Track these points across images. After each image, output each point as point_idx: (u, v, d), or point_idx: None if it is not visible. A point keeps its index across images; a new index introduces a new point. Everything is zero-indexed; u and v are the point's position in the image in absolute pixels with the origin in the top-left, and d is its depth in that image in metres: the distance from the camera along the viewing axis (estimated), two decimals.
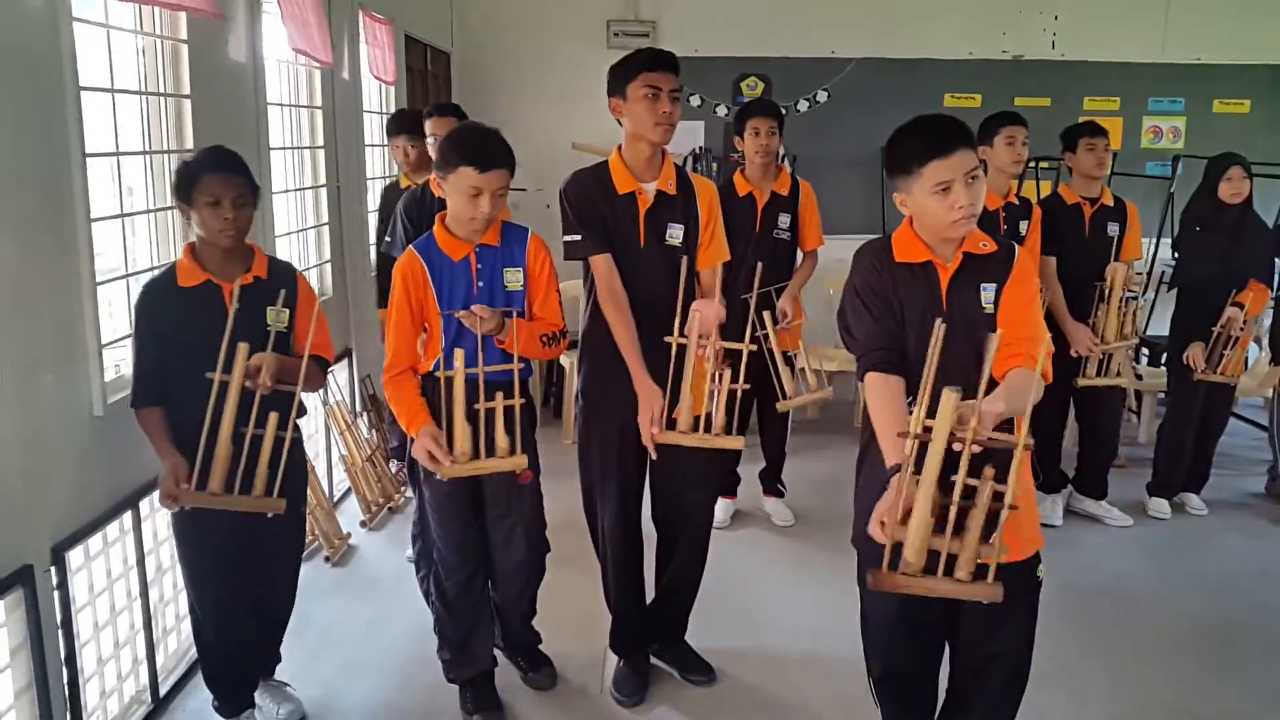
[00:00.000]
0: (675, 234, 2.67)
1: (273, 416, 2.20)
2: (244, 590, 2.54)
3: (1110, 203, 3.97)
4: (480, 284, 2.49)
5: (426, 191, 3.49)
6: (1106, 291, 3.80)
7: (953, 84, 6.50)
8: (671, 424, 2.50)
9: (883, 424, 1.95)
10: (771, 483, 4.18)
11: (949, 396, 1.65)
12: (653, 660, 2.95)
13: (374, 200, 4.75)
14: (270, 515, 2.26)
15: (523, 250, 2.57)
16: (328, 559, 3.65)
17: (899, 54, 6.42)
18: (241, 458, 2.20)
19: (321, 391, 4.03)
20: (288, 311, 2.41)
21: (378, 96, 5.04)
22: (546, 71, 6.44)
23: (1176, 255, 4.30)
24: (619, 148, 2.67)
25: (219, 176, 2.31)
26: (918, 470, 1.71)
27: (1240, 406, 5.58)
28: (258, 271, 2.41)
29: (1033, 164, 5.94)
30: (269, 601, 2.67)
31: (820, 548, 3.85)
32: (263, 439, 2.20)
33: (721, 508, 4.08)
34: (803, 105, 6.53)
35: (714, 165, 6.09)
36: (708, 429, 2.50)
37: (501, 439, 2.35)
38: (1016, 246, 2.09)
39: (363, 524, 3.95)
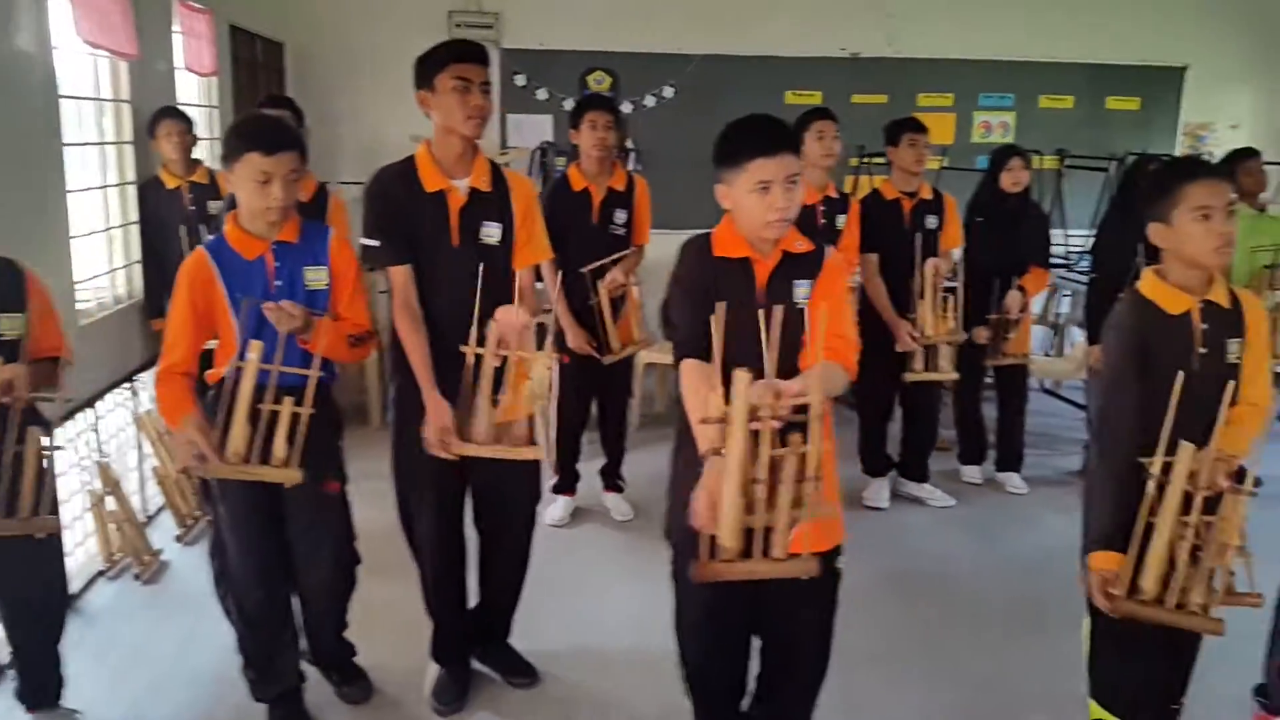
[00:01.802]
0: (491, 233, 2.60)
1: (32, 431, 2.06)
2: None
3: (929, 197, 4.10)
4: (278, 283, 2.37)
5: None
6: (922, 287, 3.91)
7: (794, 81, 6.63)
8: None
9: (696, 411, 1.97)
10: (611, 478, 4.18)
11: (741, 377, 1.70)
12: (475, 665, 2.91)
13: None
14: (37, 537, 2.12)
15: (324, 247, 2.46)
16: (137, 576, 3.47)
17: (742, 51, 6.51)
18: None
19: (131, 402, 3.84)
20: (21, 316, 2.27)
21: (199, 90, 4.82)
22: (386, 63, 6.21)
23: (965, 245, 4.47)
24: (427, 143, 2.58)
25: None
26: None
27: (1065, 389, 5.89)
28: None
29: (869, 159, 6.10)
30: (29, 626, 2.52)
31: (656, 541, 3.77)
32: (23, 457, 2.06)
33: (561, 505, 4.07)
34: (650, 101, 6.56)
35: (561, 160, 6.06)
36: (511, 438, 2.47)
37: (280, 447, 2.25)
38: (829, 248, 2.14)
39: (177, 539, 3.77)
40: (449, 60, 2.46)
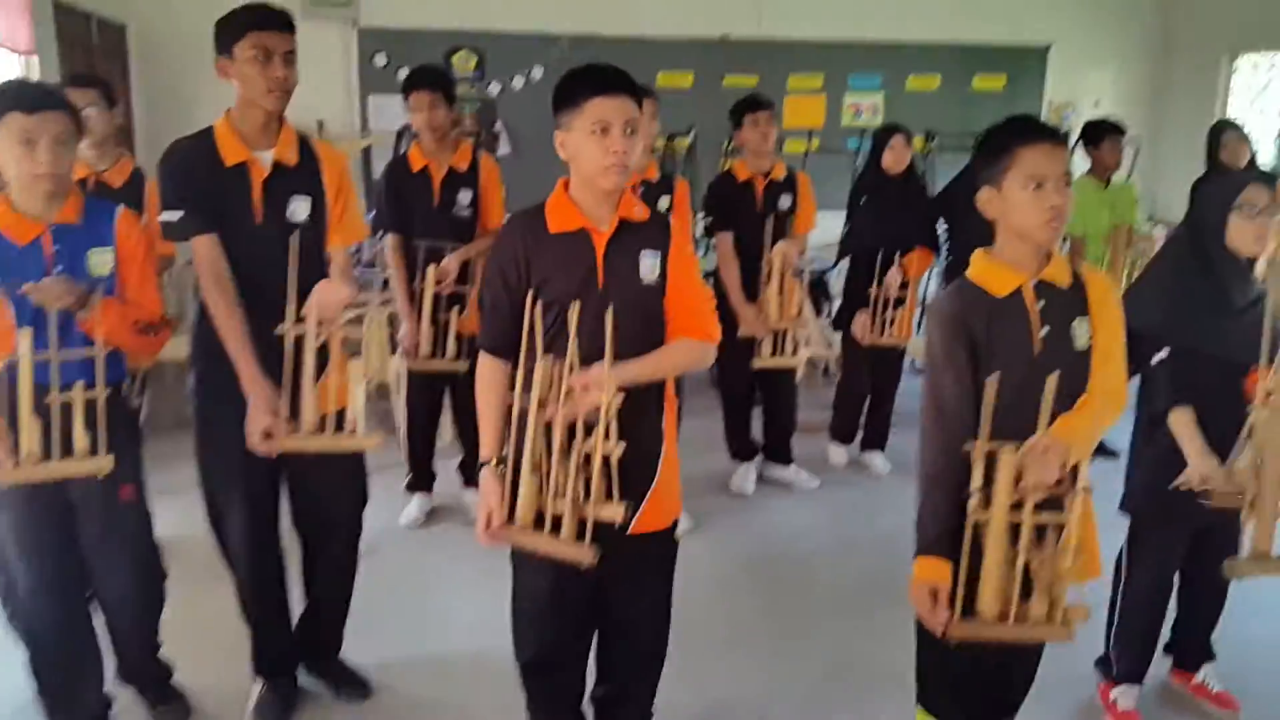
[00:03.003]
0: (299, 209, 2.43)
1: None
2: None
3: (782, 176, 4.04)
4: (59, 269, 2.18)
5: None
6: (769, 272, 3.84)
7: (665, 62, 6.54)
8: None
9: (485, 412, 1.98)
10: (471, 473, 4.04)
11: (544, 366, 1.81)
12: (304, 680, 2.75)
13: None
14: None
15: (110, 228, 2.28)
16: None
17: (612, 31, 6.38)
18: None
19: None
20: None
21: (21, 71, 4.49)
22: None
23: (847, 225, 4.46)
24: (228, 113, 2.39)
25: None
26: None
27: None
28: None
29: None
30: None
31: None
32: None
33: (416, 504, 3.92)
34: (519, 82, 6.40)
35: None
36: (339, 428, 2.33)
37: (80, 437, 2.10)
38: (672, 216, 2.09)
39: None
40: (248, 27, 2.29)
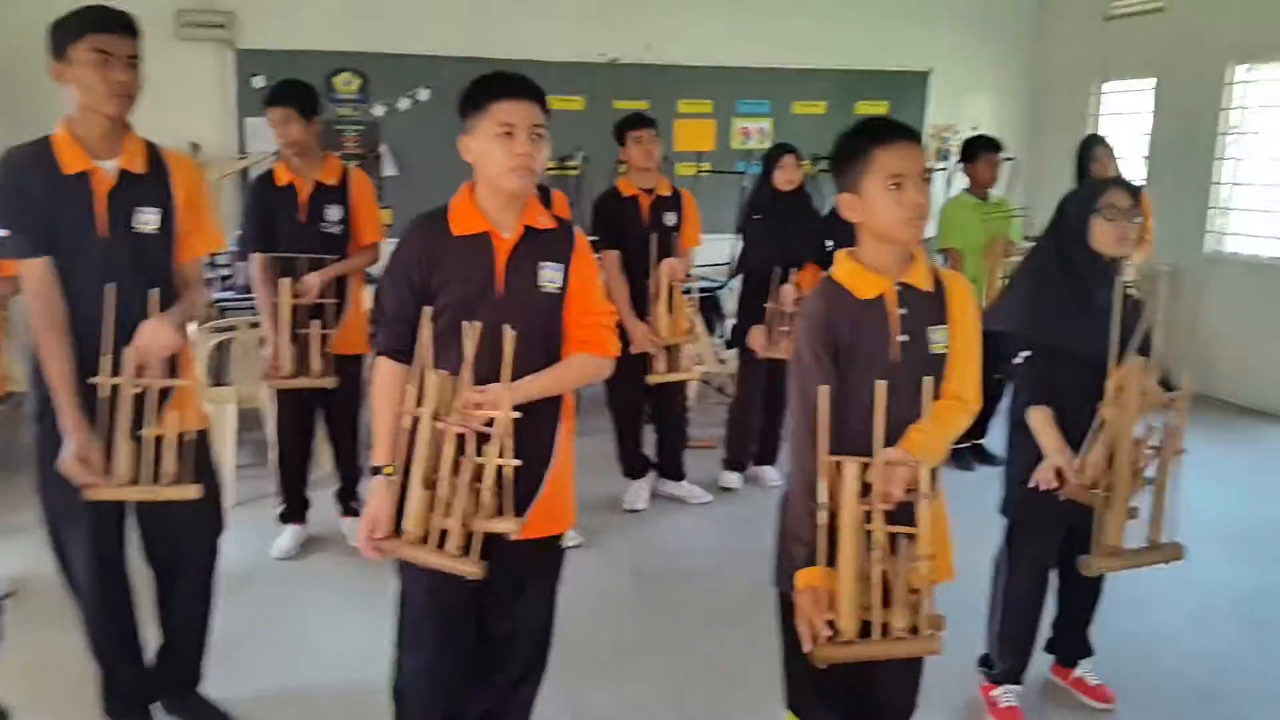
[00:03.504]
0: (147, 220, 2.30)
1: None
2: None
3: (667, 193, 4.04)
4: None
5: None
6: (657, 288, 3.82)
7: (554, 86, 6.39)
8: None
9: (379, 417, 1.93)
10: (347, 501, 3.88)
11: (437, 380, 1.79)
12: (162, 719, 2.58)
13: None
14: None
15: None
16: None
17: (499, 54, 6.26)
18: None
19: None
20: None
21: None
22: None
23: (740, 243, 4.48)
24: (68, 120, 2.25)
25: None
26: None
27: None
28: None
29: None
30: None
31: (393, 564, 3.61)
32: None
33: (289, 535, 3.75)
34: (404, 104, 6.31)
35: None
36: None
37: None
38: (576, 227, 2.05)
39: None
40: (86, 29, 2.16)
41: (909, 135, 1.86)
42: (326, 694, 2.82)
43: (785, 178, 4.27)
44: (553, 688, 2.27)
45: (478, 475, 1.80)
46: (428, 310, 1.85)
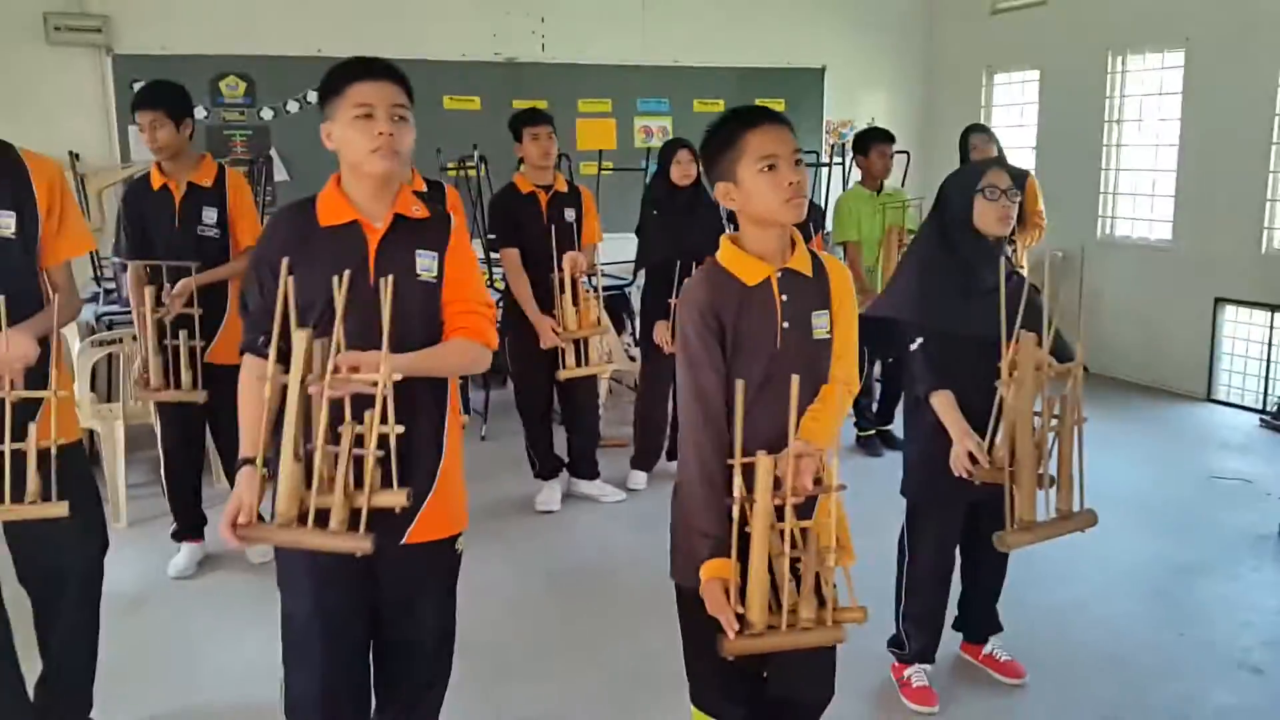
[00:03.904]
0: (4, 224, 2.18)
1: None
2: None
3: (565, 189, 4.00)
4: None
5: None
6: (562, 280, 3.77)
7: (451, 86, 6.42)
8: None
9: (245, 412, 1.82)
10: None
11: (300, 337, 1.64)
12: None
13: None
14: None
15: None
16: None
17: (393, 54, 6.05)
18: None
19: None
20: None
21: None
22: None
23: (640, 238, 4.45)
24: None
25: None
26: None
27: None
28: None
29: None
30: None
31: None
32: None
33: (185, 554, 3.60)
34: (293, 106, 6.13)
35: None
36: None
37: None
38: (453, 214, 1.97)
39: None
40: None
41: (775, 118, 1.83)
42: (228, 715, 2.71)
43: (681, 172, 4.26)
44: (465, 693, 2.21)
45: (359, 444, 1.66)
46: (286, 261, 1.68)
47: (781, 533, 1.73)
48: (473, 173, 5.79)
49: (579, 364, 3.89)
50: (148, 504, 4.10)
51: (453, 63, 6.39)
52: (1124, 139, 6.46)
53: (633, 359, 5.44)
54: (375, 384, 1.63)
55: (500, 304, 4.35)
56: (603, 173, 6.32)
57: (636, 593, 3.40)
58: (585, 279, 3.92)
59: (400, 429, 1.65)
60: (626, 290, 5.78)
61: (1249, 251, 5.64)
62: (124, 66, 5.72)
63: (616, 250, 5.12)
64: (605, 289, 4.12)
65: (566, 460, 4.31)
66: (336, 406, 1.65)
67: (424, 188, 3.66)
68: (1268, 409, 5.50)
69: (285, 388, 1.67)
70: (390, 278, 1.67)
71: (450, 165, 5.94)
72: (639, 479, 4.48)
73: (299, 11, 6.07)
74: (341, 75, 1.82)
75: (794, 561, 1.75)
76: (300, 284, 1.72)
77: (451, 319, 1.91)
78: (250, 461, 1.75)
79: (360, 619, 1.96)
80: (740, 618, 1.71)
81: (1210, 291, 5.89)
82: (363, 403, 1.66)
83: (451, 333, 1.91)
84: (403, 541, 1.89)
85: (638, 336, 4.63)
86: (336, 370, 1.63)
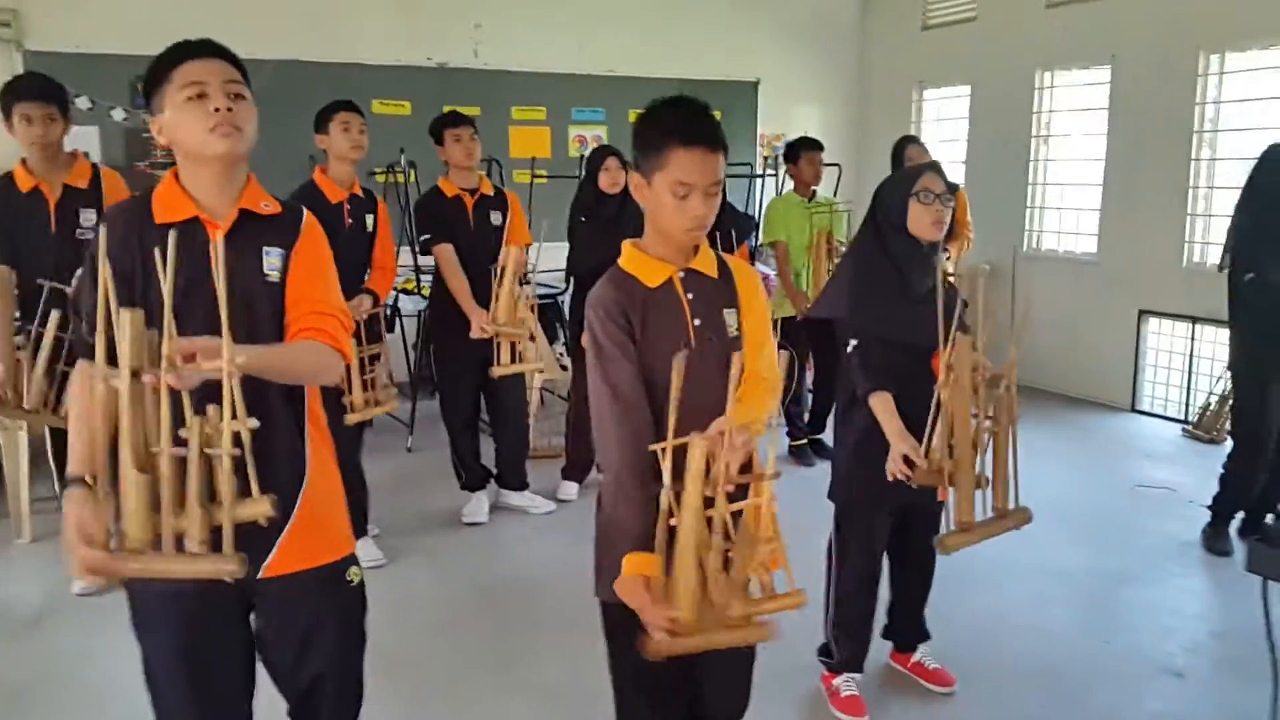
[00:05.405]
0: None
1: None
2: None
3: (490, 192, 3.94)
4: None
5: None
6: (501, 271, 3.68)
7: (382, 90, 6.29)
8: None
9: (74, 425, 1.61)
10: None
11: (131, 318, 1.37)
12: None
13: None
14: None
15: None
16: None
17: (325, 58, 6.07)
18: None
19: None
20: None
21: None
22: None
23: (570, 246, 4.39)
24: None
25: None
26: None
27: None
28: None
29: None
30: None
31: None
32: None
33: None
34: None
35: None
36: None
37: None
38: (307, 211, 1.80)
39: None
40: None
41: (711, 140, 1.75)
42: None
43: (609, 180, 4.21)
44: (388, 713, 2.10)
45: (208, 444, 1.41)
46: (102, 231, 1.50)
47: (710, 521, 1.63)
48: (400, 178, 5.67)
49: (513, 361, 3.79)
50: (53, 519, 3.91)
51: (384, 66, 6.27)
52: (1051, 154, 6.58)
53: (564, 368, 5.37)
54: (218, 372, 1.39)
55: (427, 309, 4.28)
56: (536, 180, 6.25)
57: (566, 607, 3.32)
58: (517, 282, 3.84)
59: (254, 423, 1.43)
60: (559, 299, 5.72)
61: (1172, 264, 5.76)
62: (37, 64, 5.45)
63: (550, 259, 5.05)
64: (539, 297, 4.05)
65: (495, 471, 4.21)
66: (176, 409, 1.40)
67: (360, 191, 3.61)
68: (1189, 419, 5.61)
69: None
70: (224, 269, 1.44)
71: (378, 170, 5.81)
72: (570, 490, 4.40)
73: (225, 12, 5.88)
74: (165, 61, 1.68)
75: (724, 554, 1.65)
76: (139, 288, 1.59)
77: (298, 320, 1.70)
78: (79, 481, 1.52)
79: (237, 660, 1.79)
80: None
81: (1134, 304, 6.00)
82: (206, 402, 1.42)
83: (299, 334, 1.69)
84: (259, 576, 1.67)
85: (569, 345, 4.55)
86: (170, 361, 1.38)
